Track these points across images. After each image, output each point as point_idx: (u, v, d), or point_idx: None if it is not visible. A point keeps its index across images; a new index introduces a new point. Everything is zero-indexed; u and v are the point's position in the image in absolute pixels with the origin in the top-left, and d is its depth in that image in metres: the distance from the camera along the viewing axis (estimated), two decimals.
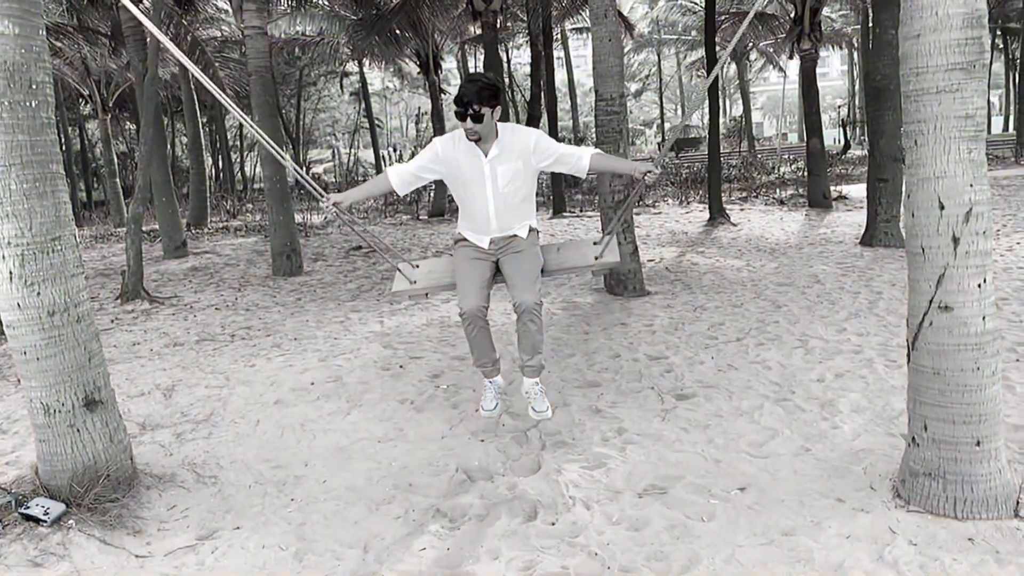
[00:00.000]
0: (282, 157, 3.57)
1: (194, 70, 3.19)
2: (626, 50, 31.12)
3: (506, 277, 3.61)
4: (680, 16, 27.71)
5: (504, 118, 12.95)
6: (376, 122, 33.86)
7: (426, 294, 3.90)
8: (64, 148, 21.73)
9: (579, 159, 3.56)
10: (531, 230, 3.69)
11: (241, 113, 3.40)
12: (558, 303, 7.51)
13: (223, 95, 3.36)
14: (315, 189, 3.57)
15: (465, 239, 3.69)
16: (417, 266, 3.97)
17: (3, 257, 3.25)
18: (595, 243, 3.89)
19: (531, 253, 3.61)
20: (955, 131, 2.84)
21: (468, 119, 3.33)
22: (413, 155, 25.99)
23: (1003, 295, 6.56)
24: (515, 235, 3.63)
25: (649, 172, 3.41)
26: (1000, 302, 6.26)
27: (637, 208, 15.62)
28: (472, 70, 32.53)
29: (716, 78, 13.81)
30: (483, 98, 3.30)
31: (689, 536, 3.03)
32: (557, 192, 16.69)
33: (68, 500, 3.35)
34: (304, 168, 33.11)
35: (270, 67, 10.62)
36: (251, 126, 3.46)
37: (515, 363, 5.10)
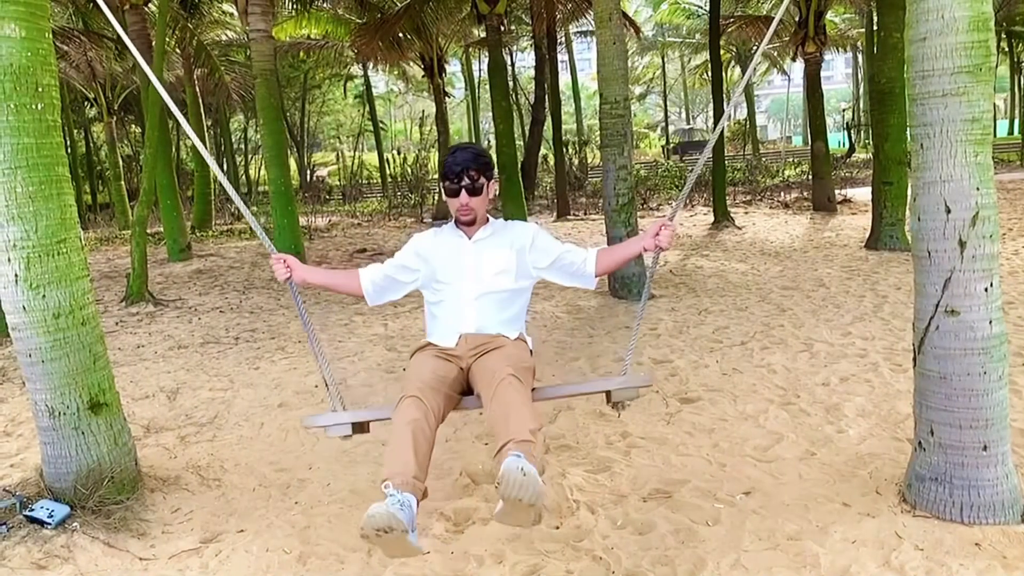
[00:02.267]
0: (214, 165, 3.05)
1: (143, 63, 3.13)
2: (630, 53, 31.13)
3: (477, 379, 2.61)
4: (684, 19, 27.71)
5: (508, 122, 12.94)
6: (380, 125, 33.90)
7: (352, 427, 2.73)
8: (70, 151, 21.80)
9: (583, 264, 2.87)
10: (521, 338, 2.85)
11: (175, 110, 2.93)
12: (562, 306, 7.50)
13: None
14: (268, 243, 2.96)
15: (428, 344, 2.83)
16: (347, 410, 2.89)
17: (9, 260, 3.25)
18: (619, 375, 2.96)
19: (515, 352, 2.70)
20: (961, 135, 2.83)
21: (463, 192, 2.74)
22: (416, 158, 26.13)
23: (1010, 299, 6.53)
24: (498, 335, 2.76)
25: (662, 232, 2.74)
26: (1007, 306, 6.23)
27: (641, 212, 15.61)
28: (476, 73, 32.57)
29: (721, 82, 13.76)
30: (480, 165, 2.75)
31: (694, 540, 3.01)
32: (561, 194, 16.69)
33: (72, 502, 3.35)
34: (309, 171, 33.20)
35: (275, 70, 10.65)
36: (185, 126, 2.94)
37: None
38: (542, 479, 2.19)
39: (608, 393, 2.81)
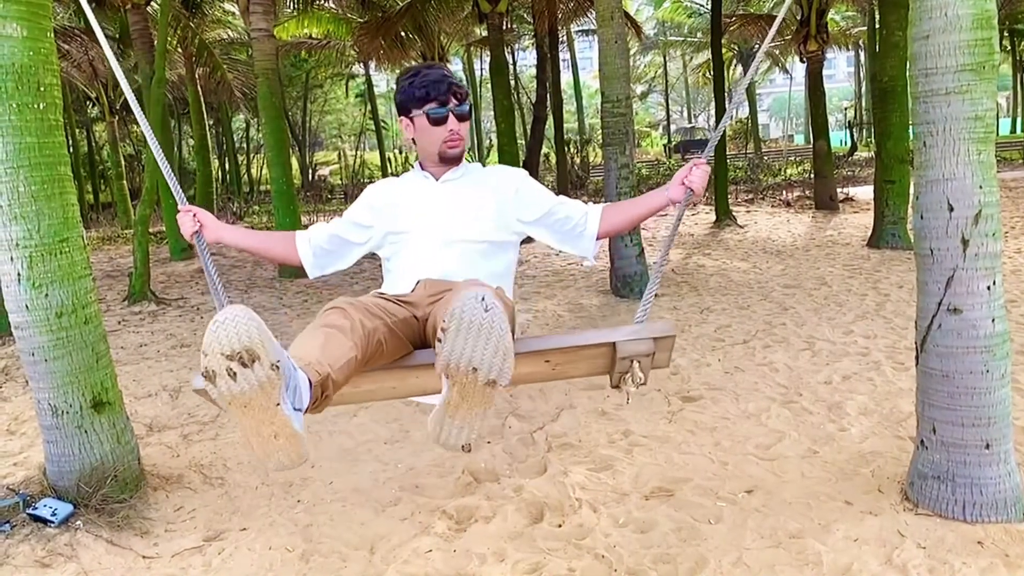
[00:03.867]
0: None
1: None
2: (632, 52, 31.10)
3: (434, 318, 1.94)
4: (686, 18, 27.69)
5: (509, 121, 12.91)
6: (382, 124, 33.90)
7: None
8: (72, 150, 21.82)
9: (583, 221, 2.24)
10: (500, 289, 2.04)
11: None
12: (563, 305, 7.50)
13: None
14: (178, 193, 2.36)
15: (379, 294, 2.14)
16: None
17: (11, 259, 3.26)
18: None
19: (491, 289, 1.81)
20: (964, 133, 2.83)
21: (451, 117, 2.17)
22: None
23: (1012, 297, 6.53)
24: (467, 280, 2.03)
25: (694, 171, 2.11)
26: (1009, 304, 6.22)
27: None
28: (478, 72, 32.55)
29: (723, 80, 13.76)
30: (460, 84, 2.20)
31: (696, 538, 3.01)
32: (562, 189, 16.69)
33: (76, 501, 3.36)
34: (311, 170, 33.20)
35: (277, 69, 10.64)
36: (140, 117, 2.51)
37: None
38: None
39: (611, 370, 2.05)
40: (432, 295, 2.06)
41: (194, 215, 2.25)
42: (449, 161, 2.23)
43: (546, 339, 2.03)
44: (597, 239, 2.26)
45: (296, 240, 2.34)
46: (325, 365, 1.74)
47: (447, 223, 2.17)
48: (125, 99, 20.09)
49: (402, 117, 2.24)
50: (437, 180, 2.25)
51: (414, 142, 2.27)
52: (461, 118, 2.19)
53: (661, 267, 2.14)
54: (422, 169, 2.29)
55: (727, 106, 14.28)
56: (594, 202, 2.42)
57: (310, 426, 4.49)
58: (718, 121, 14.23)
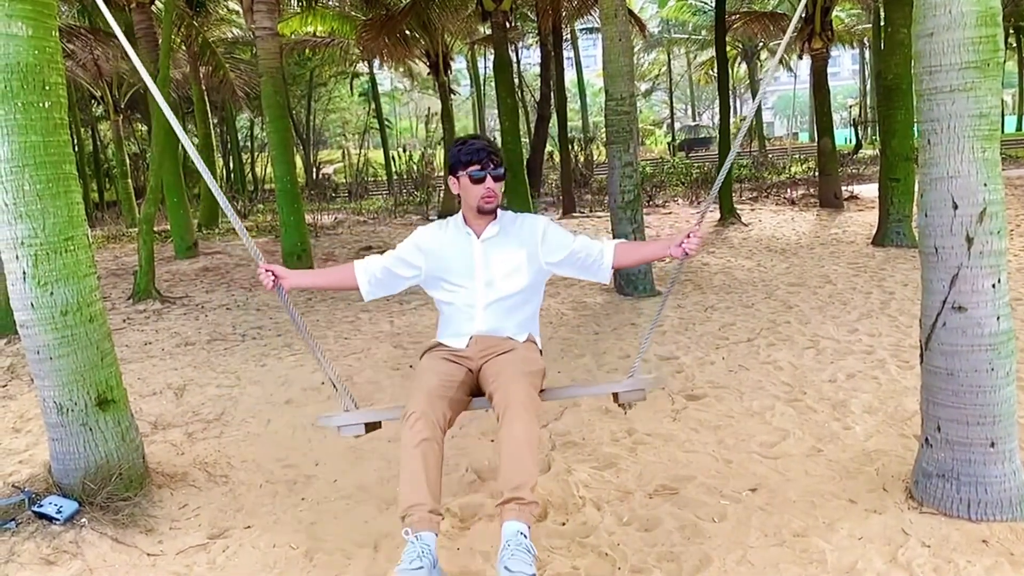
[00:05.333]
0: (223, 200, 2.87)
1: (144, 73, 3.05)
2: (636, 50, 31.07)
3: (487, 380, 2.62)
4: (690, 15, 27.63)
5: (513, 119, 12.92)
6: (386, 123, 33.92)
7: (366, 427, 2.80)
8: (77, 149, 21.86)
9: (600, 256, 2.81)
10: (530, 339, 2.84)
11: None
12: (568, 303, 7.50)
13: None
14: (256, 254, 2.82)
15: (438, 344, 2.83)
16: (358, 408, 2.94)
17: (17, 257, 3.27)
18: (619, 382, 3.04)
19: (526, 355, 2.71)
20: (969, 130, 2.82)
21: (489, 178, 2.70)
22: (422, 156, 26.12)
23: (1017, 295, 6.51)
24: (508, 338, 2.77)
25: (689, 239, 2.73)
26: (1014, 302, 6.20)
27: (647, 209, 15.58)
28: (482, 70, 32.53)
29: (727, 78, 13.73)
30: (498, 151, 2.76)
31: (700, 537, 3.01)
32: (566, 191, 16.67)
33: (81, 498, 3.37)
34: (315, 168, 33.22)
35: (281, 68, 10.66)
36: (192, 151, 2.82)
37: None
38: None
39: (615, 394, 2.84)
40: (482, 350, 2.72)
41: (272, 272, 2.75)
42: (486, 213, 2.76)
43: (564, 390, 3.07)
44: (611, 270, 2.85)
45: (356, 270, 2.87)
46: (436, 503, 2.36)
47: (490, 285, 2.75)
48: (130, 98, 20.13)
49: (451, 176, 2.79)
50: (478, 238, 2.77)
51: (459, 197, 2.81)
52: (496, 179, 2.72)
53: (659, 314, 2.86)
54: (465, 223, 2.80)
55: (732, 103, 14.24)
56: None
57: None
58: (722, 120, 14.22)
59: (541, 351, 2.89)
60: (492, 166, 2.70)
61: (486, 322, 2.75)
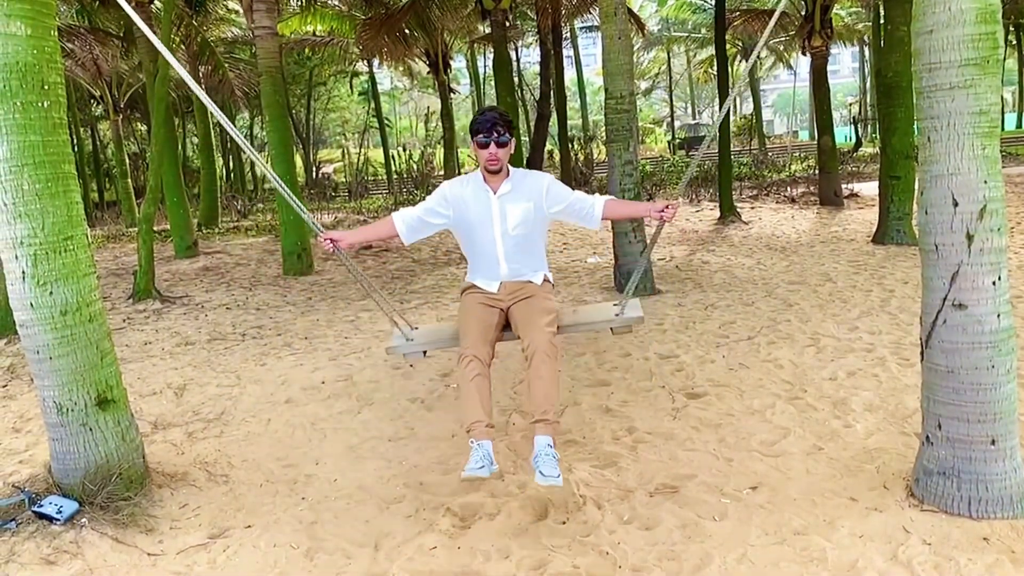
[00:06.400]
0: (301, 209, 3.64)
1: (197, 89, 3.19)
2: (635, 48, 31.04)
3: (516, 323, 3.30)
4: (690, 14, 27.61)
5: (514, 117, 12.93)
6: (386, 122, 33.91)
7: (424, 352, 3.50)
8: (76, 148, 21.86)
9: (591, 207, 3.38)
10: (545, 280, 3.47)
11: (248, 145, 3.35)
12: (568, 301, 7.50)
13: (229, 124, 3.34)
14: (316, 226, 3.45)
15: (474, 286, 3.47)
16: (416, 328, 3.68)
17: (16, 257, 3.27)
18: (615, 304, 3.61)
19: (544, 298, 3.36)
20: (969, 127, 2.81)
21: (492, 145, 3.23)
22: (422, 155, 26.12)
23: (1018, 293, 6.50)
24: (528, 281, 3.40)
25: (668, 208, 3.18)
26: (1015, 300, 6.20)
27: None
28: (481, 69, 32.52)
29: (727, 76, 13.72)
30: (506, 122, 3.26)
31: (701, 535, 3.01)
32: (566, 185, 16.65)
33: (81, 498, 3.37)
34: (315, 168, 33.22)
35: (280, 67, 10.65)
36: (260, 162, 3.55)
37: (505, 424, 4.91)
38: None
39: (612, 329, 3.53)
40: (510, 293, 3.37)
41: (331, 239, 3.32)
42: (492, 173, 3.31)
43: (571, 327, 3.55)
44: (601, 220, 3.43)
45: (395, 221, 3.48)
46: (489, 417, 3.03)
47: (505, 233, 3.34)
48: (129, 97, 20.11)
49: (471, 140, 3.33)
50: (495, 194, 3.33)
51: (476, 158, 3.39)
52: (500, 145, 3.26)
53: (644, 263, 3.63)
54: (484, 181, 3.36)
55: (737, 107, 14.25)
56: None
57: (315, 423, 4.51)
58: (723, 119, 14.21)
59: (553, 284, 3.54)
60: (496, 135, 3.23)
61: (510, 268, 3.38)
